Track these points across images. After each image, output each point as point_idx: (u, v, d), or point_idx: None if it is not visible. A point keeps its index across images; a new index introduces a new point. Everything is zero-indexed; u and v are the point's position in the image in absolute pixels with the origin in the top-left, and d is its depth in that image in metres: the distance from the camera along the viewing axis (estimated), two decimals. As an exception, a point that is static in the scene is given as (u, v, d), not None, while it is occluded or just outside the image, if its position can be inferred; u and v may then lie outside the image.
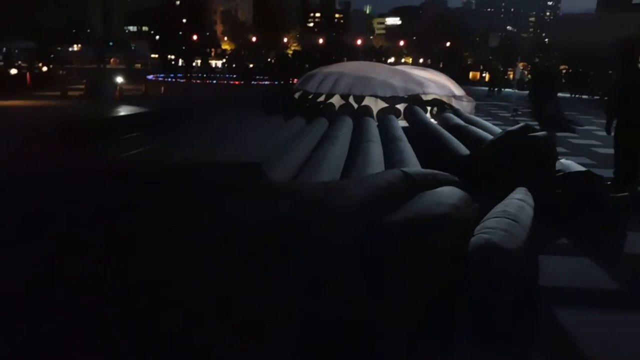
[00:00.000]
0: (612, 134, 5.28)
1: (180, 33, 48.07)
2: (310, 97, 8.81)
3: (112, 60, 46.92)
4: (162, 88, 17.57)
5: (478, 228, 2.51)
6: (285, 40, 59.38)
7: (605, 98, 10.52)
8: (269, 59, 35.79)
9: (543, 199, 3.57)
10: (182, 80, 25.50)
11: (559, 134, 7.14)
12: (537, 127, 5.83)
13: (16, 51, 33.39)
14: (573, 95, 21.70)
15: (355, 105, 8.25)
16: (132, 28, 75.45)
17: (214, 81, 27.02)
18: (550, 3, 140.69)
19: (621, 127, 5.16)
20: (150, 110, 9.99)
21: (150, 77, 25.67)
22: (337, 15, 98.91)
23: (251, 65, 34.65)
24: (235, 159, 4.07)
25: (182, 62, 30.01)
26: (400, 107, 8.16)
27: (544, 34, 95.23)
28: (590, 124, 11.05)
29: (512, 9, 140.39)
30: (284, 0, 70.77)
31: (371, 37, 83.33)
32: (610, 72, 18.15)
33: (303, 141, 5.58)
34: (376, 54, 45.81)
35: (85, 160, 3.37)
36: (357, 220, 2.17)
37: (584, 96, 21.65)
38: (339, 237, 1.94)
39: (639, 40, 5.86)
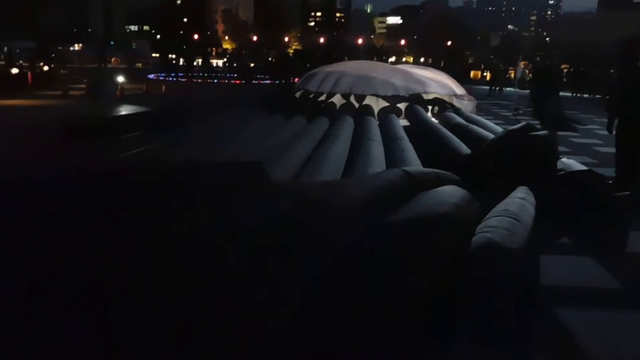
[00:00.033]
0: (614, 132, 5.27)
1: (181, 32, 48.14)
2: (311, 96, 8.81)
3: (113, 59, 46.94)
4: (164, 87, 17.57)
5: (480, 227, 2.50)
6: (286, 39, 59.37)
7: (607, 97, 10.51)
8: (269, 58, 35.79)
9: (544, 198, 3.56)
10: (183, 80, 25.51)
11: (560, 132, 7.13)
12: (539, 126, 5.83)
13: (17, 51, 33.42)
14: (574, 94, 21.68)
15: (357, 105, 8.25)
16: (133, 27, 75.49)
17: (215, 80, 27.03)
18: (551, 2, 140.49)
19: (622, 126, 5.15)
20: (151, 110, 9.99)
21: (151, 76, 25.68)
22: (338, 15, 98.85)
23: (252, 65, 34.66)
24: (236, 158, 4.07)
25: (183, 62, 30.04)
26: (402, 106, 8.16)
27: (545, 33, 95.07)
28: (592, 123, 11.04)
29: (513, 8, 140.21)
30: (285, -1, 70.79)
31: (372, 37, 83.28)
32: (611, 71, 18.14)
33: (304, 140, 5.57)
34: (377, 53, 45.79)
35: (87, 159, 3.37)
36: (359, 219, 2.17)
37: (585, 95, 21.63)
38: (340, 236, 1.94)
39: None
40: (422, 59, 48.42)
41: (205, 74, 29.12)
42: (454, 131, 6.25)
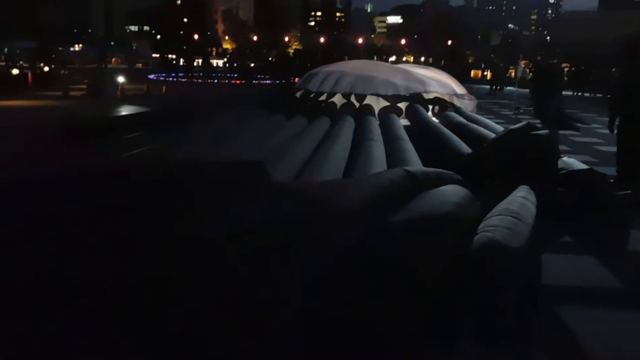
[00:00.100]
0: (615, 131, 5.27)
1: (182, 32, 48.17)
2: (311, 96, 8.81)
3: (113, 60, 46.99)
4: (164, 88, 17.58)
5: (481, 226, 2.50)
6: (287, 39, 59.39)
7: (608, 96, 10.50)
8: (270, 58, 35.80)
9: (545, 197, 3.56)
10: (183, 80, 25.52)
11: (561, 131, 7.13)
12: (540, 126, 5.82)
13: (18, 51, 33.45)
14: (575, 93, 21.66)
15: (357, 104, 8.24)
16: (134, 28, 75.53)
17: (215, 80, 27.04)
18: (551, 1, 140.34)
19: (624, 124, 5.15)
20: (152, 110, 10.00)
21: (151, 76, 25.71)
22: (338, 14, 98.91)
23: (252, 65, 34.68)
24: (237, 158, 4.07)
25: (183, 62, 30.06)
26: (402, 105, 8.15)
27: (545, 32, 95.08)
28: (593, 122, 11.03)
29: (514, 7, 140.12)
30: (285, -1, 70.80)
31: (372, 36, 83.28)
32: (613, 69, 18.12)
33: (305, 140, 5.57)
34: (377, 53, 45.81)
35: (87, 160, 3.37)
36: (360, 219, 2.17)
37: (586, 94, 21.62)
38: (341, 236, 1.94)
39: (641, 37, 5.84)
40: (422, 59, 48.43)
41: (206, 74, 29.13)
42: (455, 130, 6.25)
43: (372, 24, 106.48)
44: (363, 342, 1.56)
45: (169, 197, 1.92)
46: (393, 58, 45.09)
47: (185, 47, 35.71)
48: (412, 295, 1.86)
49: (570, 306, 2.64)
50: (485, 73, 34.16)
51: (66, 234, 1.59)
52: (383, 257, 1.88)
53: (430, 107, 8.44)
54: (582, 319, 2.51)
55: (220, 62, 46.61)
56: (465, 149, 5.14)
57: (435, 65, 26.42)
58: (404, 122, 7.38)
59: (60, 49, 42.60)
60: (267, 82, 25.94)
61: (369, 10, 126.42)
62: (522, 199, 3.18)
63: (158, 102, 13.25)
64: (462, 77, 15.93)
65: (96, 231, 1.61)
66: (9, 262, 1.42)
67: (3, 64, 27.95)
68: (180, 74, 27.10)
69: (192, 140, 5.38)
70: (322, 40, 53.15)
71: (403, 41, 61.08)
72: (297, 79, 16.59)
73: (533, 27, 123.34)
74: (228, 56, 46.57)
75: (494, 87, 23.47)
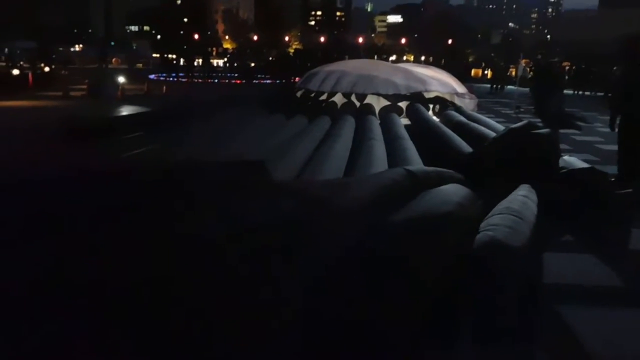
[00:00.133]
0: (616, 130, 5.26)
1: (182, 32, 48.18)
2: (312, 95, 8.80)
3: (114, 60, 47.00)
4: (164, 88, 17.59)
5: (482, 225, 2.50)
6: (287, 38, 59.41)
7: (609, 94, 10.49)
8: (270, 58, 35.80)
9: (546, 196, 3.55)
10: (183, 80, 25.53)
11: (562, 130, 7.12)
12: (541, 124, 5.81)
13: (18, 52, 33.49)
14: (575, 92, 21.64)
15: (358, 104, 8.24)
16: (134, 28, 75.59)
17: (216, 80, 27.05)
18: (552, 0, 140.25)
19: (625, 123, 5.14)
20: (152, 110, 9.99)
21: (152, 76, 25.72)
22: (338, 14, 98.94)
23: (252, 64, 34.69)
24: (238, 158, 4.06)
25: (183, 62, 30.08)
26: (403, 105, 8.14)
27: (546, 31, 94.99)
28: (594, 120, 11.02)
29: (514, 6, 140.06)
30: (285, -2, 70.79)
31: (373, 35, 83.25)
32: (614, 68, 18.11)
33: (305, 140, 5.57)
34: (378, 52, 45.80)
35: (88, 160, 3.36)
36: (361, 219, 2.16)
37: (587, 93, 21.59)
38: (342, 236, 1.93)
39: (642, 36, 5.83)
40: (422, 58, 48.42)
41: (206, 74, 29.14)
42: (456, 130, 6.24)
43: (373, 23, 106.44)
44: (363, 342, 1.56)
45: (169, 197, 1.92)
46: (393, 57, 45.07)
47: (185, 47, 35.75)
48: (412, 294, 1.85)
49: (571, 305, 2.64)
50: (486, 72, 34.18)
51: (66, 234, 1.59)
52: (384, 256, 1.87)
53: (431, 106, 8.43)
54: (583, 318, 2.51)
55: (221, 62, 46.61)
56: (466, 148, 5.13)
57: (436, 64, 26.42)
58: (404, 121, 7.37)
59: (61, 49, 42.65)
60: (268, 81, 25.94)
61: (369, 10, 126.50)
62: (523, 198, 3.17)
63: (158, 102, 13.26)
64: (462, 76, 15.91)
65: (96, 231, 1.61)
66: (9, 262, 1.42)
67: (4, 64, 27.97)
68: (181, 74, 27.12)
69: (192, 140, 5.37)
70: (322, 39, 53.16)
71: (403, 40, 61.07)
72: (297, 79, 16.59)
73: (533, 26, 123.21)
74: (228, 56, 46.59)
75: (494, 86, 23.46)
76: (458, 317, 2.17)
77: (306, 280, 1.58)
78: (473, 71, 36.91)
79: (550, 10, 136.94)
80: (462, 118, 7.26)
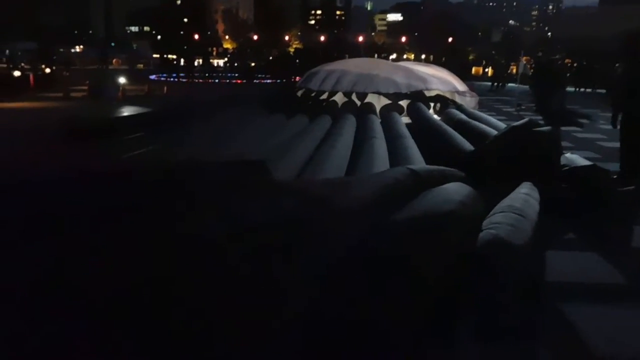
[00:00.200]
0: (618, 127, 5.24)
1: (182, 32, 48.17)
2: (312, 94, 8.79)
3: (114, 60, 47.02)
4: (165, 88, 17.60)
5: (485, 223, 2.49)
6: (287, 38, 59.39)
7: (611, 92, 10.47)
8: (270, 58, 35.79)
9: (548, 193, 3.55)
10: (184, 80, 25.54)
11: (564, 128, 7.10)
12: (542, 122, 5.80)
13: (19, 53, 33.54)
14: (577, 89, 21.60)
15: (358, 103, 8.23)
16: (134, 28, 75.61)
17: (216, 80, 27.06)
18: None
19: (627, 120, 5.13)
20: (153, 110, 9.99)
21: (152, 77, 25.74)
22: (338, 13, 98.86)
23: (253, 64, 34.69)
24: (239, 157, 4.06)
25: (183, 62, 30.10)
26: (403, 103, 8.13)
27: (546, 28, 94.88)
28: (596, 118, 10.98)
29: (515, 3, 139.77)
30: (285, -2, 70.77)
31: (373, 34, 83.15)
32: (616, 65, 18.05)
33: (306, 139, 5.56)
34: (378, 51, 45.77)
35: (89, 160, 3.36)
36: (363, 218, 2.16)
37: (588, 90, 21.55)
38: (344, 235, 1.93)
39: (643, 33, 5.81)
40: (423, 56, 48.35)
41: (206, 74, 29.15)
42: (457, 128, 6.23)
43: (373, 22, 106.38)
44: (366, 341, 1.56)
45: (170, 197, 1.91)
46: (394, 56, 44.99)
47: (185, 47, 35.75)
48: (415, 293, 1.85)
49: (573, 303, 2.63)
50: (487, 70, 34.11)
51: (67, 235, 1.59)
52: (386, 255, 1.87)
53: (432, 104, 8.42)
54: (586, 316, 2.50)
55: (221, 62, 46.60)
56: (468, 146, 5.12)
57: (436, 62, 26.41)
58: (405, 120, 7.37)
59: (62, 50, 42.69)
60: (268, 81, 25.94)
61: (369, 9, 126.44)
62: (525, 196, 3.17)
63: (159, 102, 13.27)
64: (463, 74, 15.90)
65: (98, 232, 1.60)
66: (10, 263, 1.41)
67: (5, 65, 28.00)
68: (181, 74, 27.13)
69: (193, 140, 5.37)
70: (322, 38, 53.12)
71: (403, 39, 61.03)
72: (297, 78, 16.58)
73: (534, 23, 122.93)
74: (228, 56, 46.58)
75: (495, 84, 23.41)
76: (461, 315, 2.17)
77: (308, 280, 1.58)
78: (474, 69, 36.84)
79: (550, 7, 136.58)
80: (463, 116, 7.25)
